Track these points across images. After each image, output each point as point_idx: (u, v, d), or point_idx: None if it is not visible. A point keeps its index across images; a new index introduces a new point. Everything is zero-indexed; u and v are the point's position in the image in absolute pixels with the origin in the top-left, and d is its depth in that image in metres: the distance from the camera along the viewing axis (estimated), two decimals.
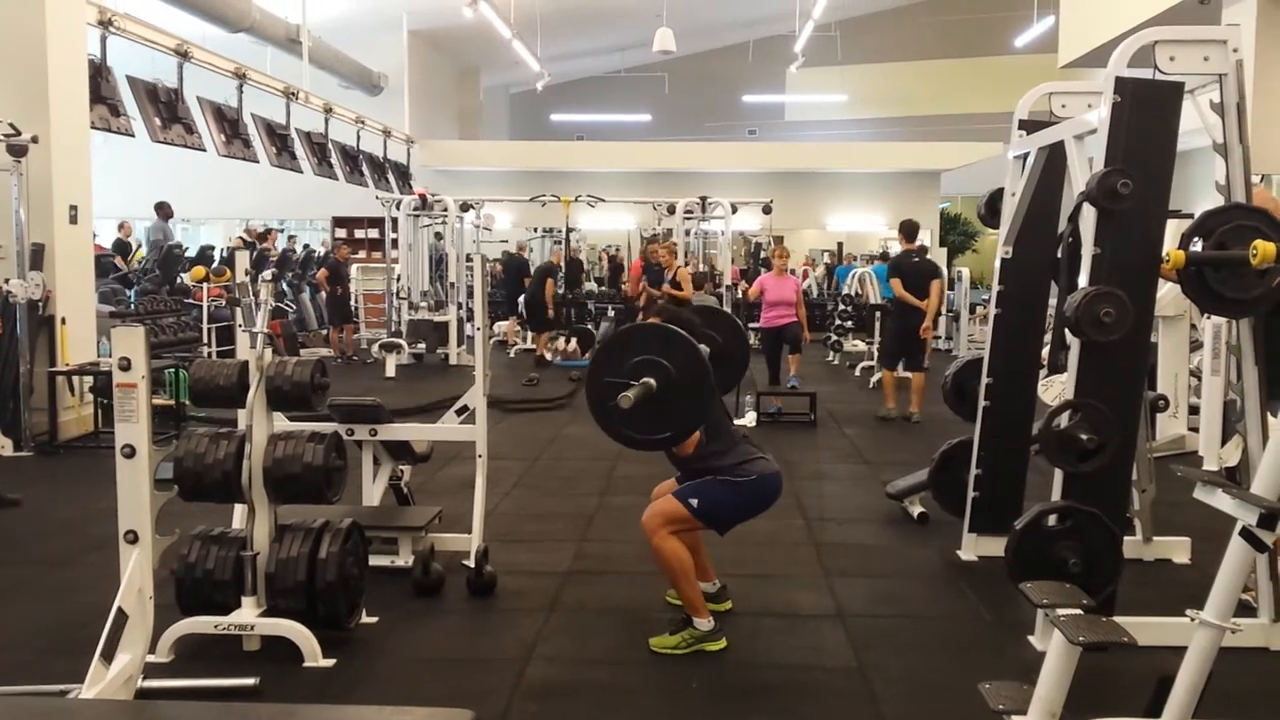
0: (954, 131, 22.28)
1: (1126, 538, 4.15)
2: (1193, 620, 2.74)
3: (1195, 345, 7.88)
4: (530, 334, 14.51)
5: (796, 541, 5.45)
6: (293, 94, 12.63)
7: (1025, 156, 4.94)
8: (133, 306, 11.79)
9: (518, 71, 22.96)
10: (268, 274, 4.22)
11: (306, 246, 19.01)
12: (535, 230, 20.28)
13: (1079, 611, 2.82)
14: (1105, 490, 3.83)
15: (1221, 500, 2.75)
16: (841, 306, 14.64)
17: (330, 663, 3.70)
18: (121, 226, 15.08)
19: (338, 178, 14.16)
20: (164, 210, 13.76)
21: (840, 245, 21.97)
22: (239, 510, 4.28)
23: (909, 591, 4.75)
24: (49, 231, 7.77)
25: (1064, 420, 3.77)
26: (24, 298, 7.49)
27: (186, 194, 18.09)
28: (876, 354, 9.71)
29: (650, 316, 4.20)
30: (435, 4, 18.17)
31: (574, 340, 13.64)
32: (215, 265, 13.07)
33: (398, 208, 14.15)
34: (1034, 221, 4.85)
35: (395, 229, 14.30)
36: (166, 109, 9.56)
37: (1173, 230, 4.76)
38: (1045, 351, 5.35)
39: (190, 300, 12.34)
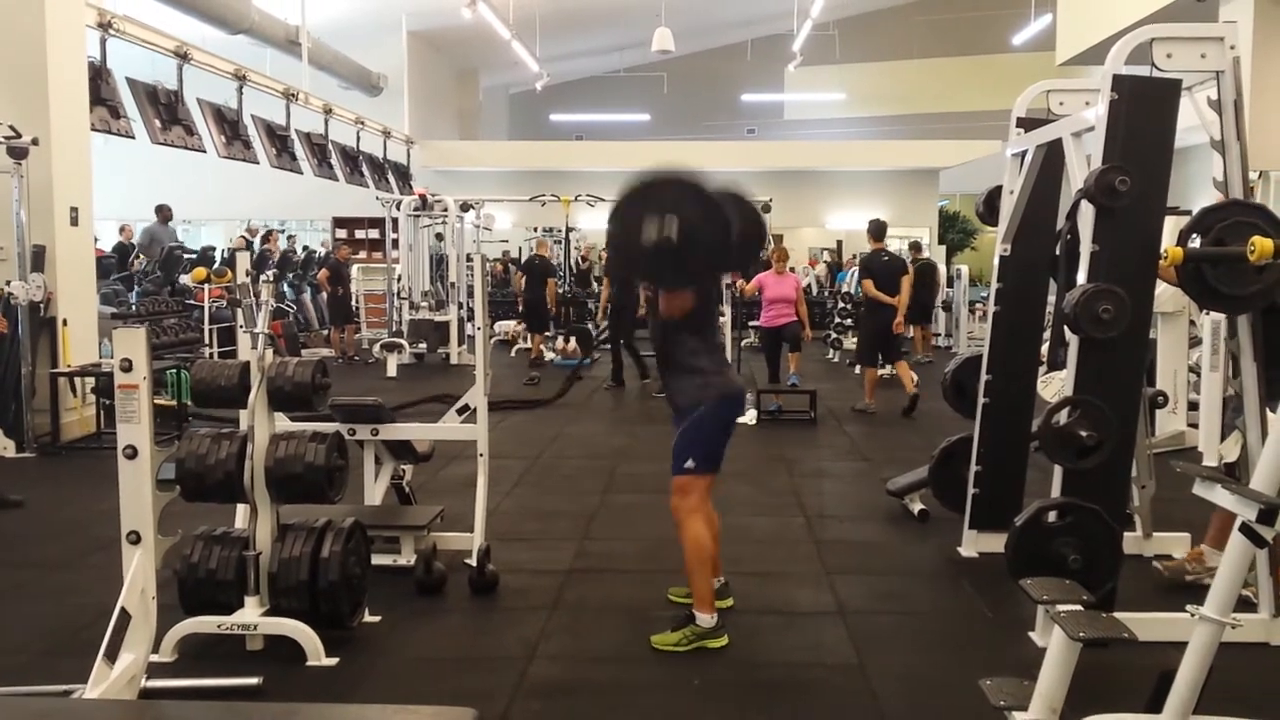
0: (952, 129, 22.30)
1: (1126, 534, 4.15)
2: (1193, 615, 2.75)
3: (1194, 341, 7.89)
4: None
5: (797, 539, 5.46)
6: (292, 95, 12.65)
7: (1023, 154, 4.95)
8: (134, 308, 11.80)
9: (517, 72, 22.99)
10: (269, 275, 4.23)
11: (306, 248, 19.03)
12: (535, 230, 20.27)
13: (1079, 607, 2.84)
14: (1105, 486, 3.84)
15: (1221, 496, 2.77)
16: (841, 305, 14.65)
17: (333, 662, 3.71)
18: (123, 230, 15.09)
19: (338, 178, 14.18)
20: (163, 213, 13.78)
21: (840, 243, 21.96)
22: (241, 510, 4.29)
23: (909, 588, 4.76)
24: (50, 233, 7.78)
25: (1063, 417, 3.78)
26: (25, 299, 7.50)
27: (187, 195, 18.13)
28: (855, 352, 9.83)
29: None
30: (434, 5, 18.19)
31: (573, 340, 13.65)
32: (216, 266, 13.08)
33: (398, 208, 14.16)
34: (1032, 219, 4.86)
35: (395, 229, 14.32)
36: (166, 110, 9.57)
37: (1171, 227, 4.76)
38: (1044, 348, 5.37)
39: (192, 301, 12.35)
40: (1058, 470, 3.91)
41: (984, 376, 5.04)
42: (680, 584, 4.35)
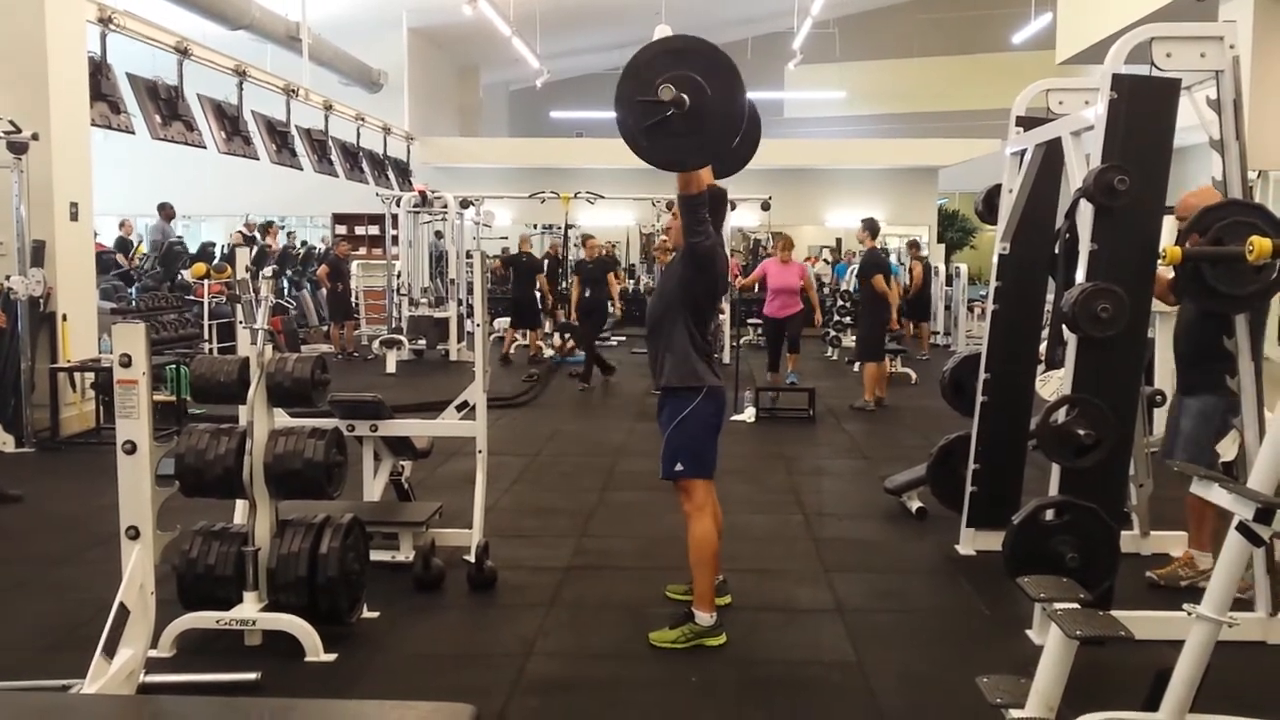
0: (952, 128, 22.30)
1: (1124, 532, 4.16)
2: (1190, 614, 2.76)
3: None
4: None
5: (795, 536, 5.47)
6: (293, 91, 12.65)
7: (1023, 153, 4.95)
8: (134, 303, 11.80)
9: (517, 68, 22.97)
10: (268, 271, 4.23)
11: (305, 243, 19.02)
12: (535, 227, 20.27)
13: (1076, 606, 2.84)
14: (1103, 485, 3.84)
15: (1218, 495, 2.77)
16: (840, 302, 14.64)
17: (331, 658, 3.71)
18: (123, 224, 15.10)
19: (338, 175, 14.18)
20: (166, 211, 13.79)
21: (839, 241, 21.96)
22: (240, 506, 4.30)
23: (907, 586, 4.76)
24: (50, 228, 7.78)
25: (1061, 416, 3.78)
26: (25, 295, 7.50)
27: (187, 191, 18.14)
28: (863, 350, 9.80)
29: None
30: (435, 1, 18.18)
31: (569, 337, 13.63)
32: (216, 262, 13.10)
33: (398, 204, 14.16)
34: (1031, 218, 4.87)
35: (395, 226, 14.32)
36: (167, 106, 9.58)
37: (1170, 226, 4.77)
38: (1043, 347, 5.37)
39: (191, 297, 12.36)
40: (1056, 469, 3.92)
41: (982, 375, 5.05)
42: (678, 581, 4.37)
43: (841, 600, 4.46)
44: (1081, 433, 3.72)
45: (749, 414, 8.90)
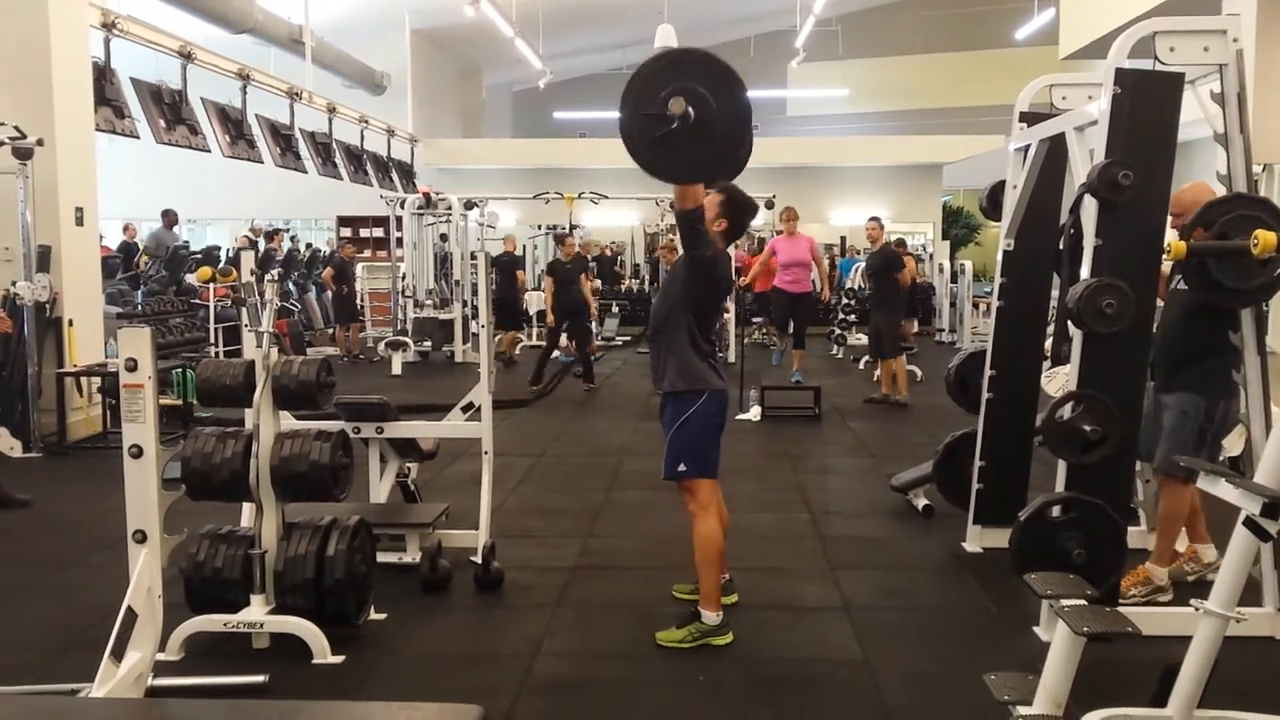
0: (955, 124, 22.27)
1: (1130, 528, 4.15)
2: (1197, 610, 2.75)
3: None
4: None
5: (801, 535, 5.47)
6: (296, 94, 12.66)
7: (1026, 149, 4.95)
8: (139, 307, 11.82)
9: (520, 69, 22.96)
10: (273, 274, 4.24)
11: (309, 245, 19.05)
12: (539, 227, 20.27)
13: (1083, 602, 2.84)
14: (1109, 481, 3.84)
15: (1225, 490, 2.76)
16: (845, 300, 14.63)
17: (339, 659, 3.72)
18: (127, 228, 15.13)
19: (342, 177, 14.19)
20: (169, 217, 13.82)
21: (843, 239, 21.94)
22: (247, 509, 4.30)
23: (914, 584, 4.76)
24: (55, 234, 7.80)
25: (1067, 412, 3.78)
26: (31, 300, 7.52)
27: (192, 195, 18.17)
28: (884, 345, 9.77)
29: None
30: (437, 3, 18.18)
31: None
32: (221, 265, 13.11)
33: (402, 206, 14.17)
34: (1036, 214, 4.86)
35: (400, 228, 14.32)
36: (171, 110, 9.59)
37: None
38: (1048, 343, 5.36)
39: (197, 301, 12.38)
40: (1062, 465, 3.91)
41: (988, 372, 5.04)
42: (685, 581, 4.37)
43: (848, 598, 4.46)
44: (1087, 429, 3.72)
45: (754, 413, 8.90)
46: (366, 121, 15.35)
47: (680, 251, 4.09)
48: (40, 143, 7.45)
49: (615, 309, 16.59)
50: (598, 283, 14.94)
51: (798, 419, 8.95)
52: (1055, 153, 4.70)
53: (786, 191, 16.38)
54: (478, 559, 4.55)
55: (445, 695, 3.46)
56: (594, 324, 14.79)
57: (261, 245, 15.58)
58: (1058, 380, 5.30)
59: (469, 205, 14.30)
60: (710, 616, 3.90)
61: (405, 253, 14.17)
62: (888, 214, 22.10)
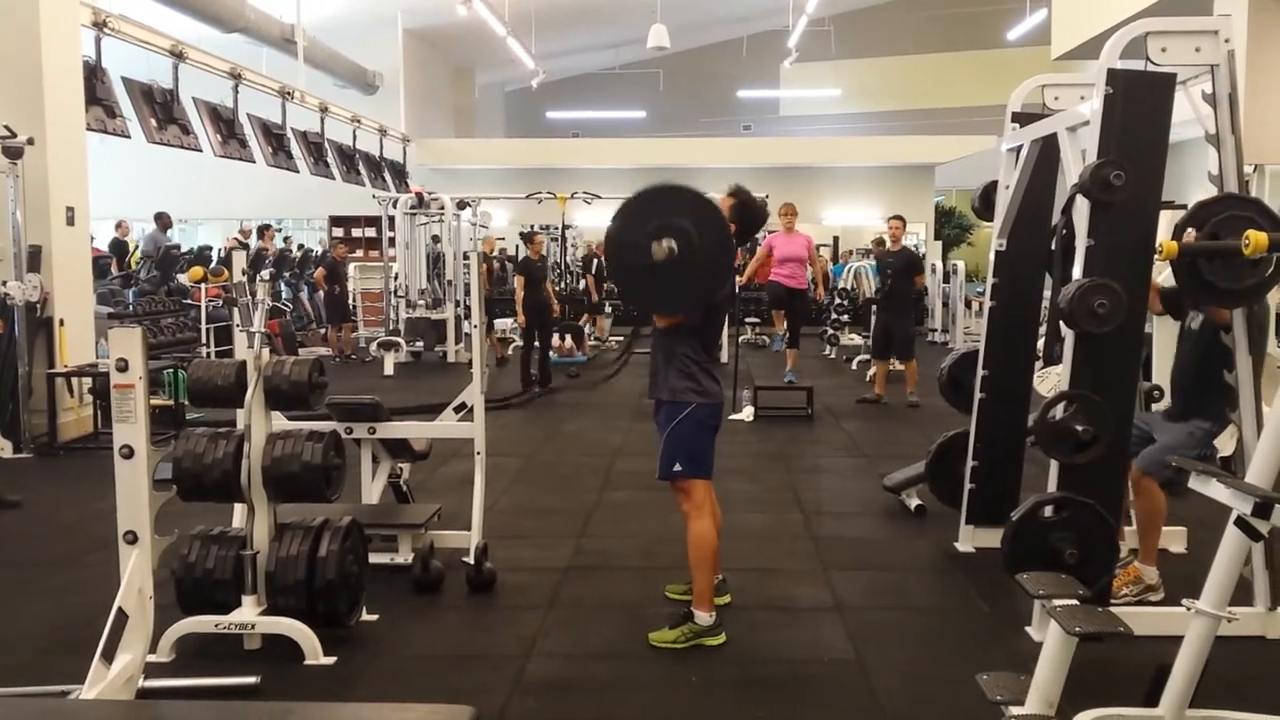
0: (948, 125, 22.32)
1: (1124, 528, 4.16)
2: (1189, 609, 2.76)
3: None
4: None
5: (794, 535, 5.47)
6: (288, 94, 12.64)
7: (1019, 149, 4.95)
8: (131, 307, 11.78)
9: (513, 69, 22.97)
10: (265, 274, 4.23)
11: (302, 246, 19.01)
12: (531, 227, 20.27)
13: (1075, 602, 2.84)
14: (1101, 481, 3.85)
15: (1216, 490, 2.77)
16: (837, 300, 14.65)
17: (331, 660, 3.71)
18: (119, 226, 15.08)
19: (334, 177, 14.18)
20: (162, 220, 13.78)
21: (836, 239, 21.97)
22: (238, 509, 4.29)
23: (906, 584, 4.76)
24: (46, 233, 7.77)
25: (1059, 412, 3.78)
26: (22, 300, 7.49)
27: (184, 195, 18.13)
28: (900, 348, 9.77)
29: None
30: (430, 2, 18.17)
31: (569, 337, 13.64)
32: (213, 265, 13.06)
33: (394, 206, 14.15)
34: (1028, 214, 4.86)
35: (392, 227, 14.30)
36: (162, 110, 9.57)
37: (1166, 221, 4.77)
38: (1041, 343, 5.37)
39: (188, 301, 12.34)
40: (1054, 465, 3.92)
41: (980, 372, 5.05)
42: (678, 581, 4.36)
43: (841, 598, 4.46)
44: (1079, 429, 3.73)
45: (747, 413, 8.90)
46: (359, 121, 15.32)
47: None
48: (31, 142, 7.43)
49: (609, 309, 16.58)
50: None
51: (791, 419, 8.96)
52: (1047, 153, 4.70)
53: (779, 191, 16.35)
54: (470, 559, 4.54)
55: (437, 696, 3.46)
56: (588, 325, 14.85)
57: (253, 245, 15.55)
58: (1050, 380, 5.33)
59: (461, 205, 14.28)
60: (703, 617, 3.90)
61: (398, 253, 14.15)
62: (880, 214, 22.20)
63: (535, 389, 10.40)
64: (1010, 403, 5.01)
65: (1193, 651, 2.73)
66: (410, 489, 5.48)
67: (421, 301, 13.77)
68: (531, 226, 15.00)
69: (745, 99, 28.24)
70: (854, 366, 12.54)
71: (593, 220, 19.82)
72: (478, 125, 25.26)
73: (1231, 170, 4.00)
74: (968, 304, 14.57)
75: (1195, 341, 4.26)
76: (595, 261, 14.53)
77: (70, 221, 8.05)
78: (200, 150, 10.45)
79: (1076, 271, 3.84)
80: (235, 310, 4.17)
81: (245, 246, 14.77)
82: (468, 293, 12.34)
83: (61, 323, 7.85)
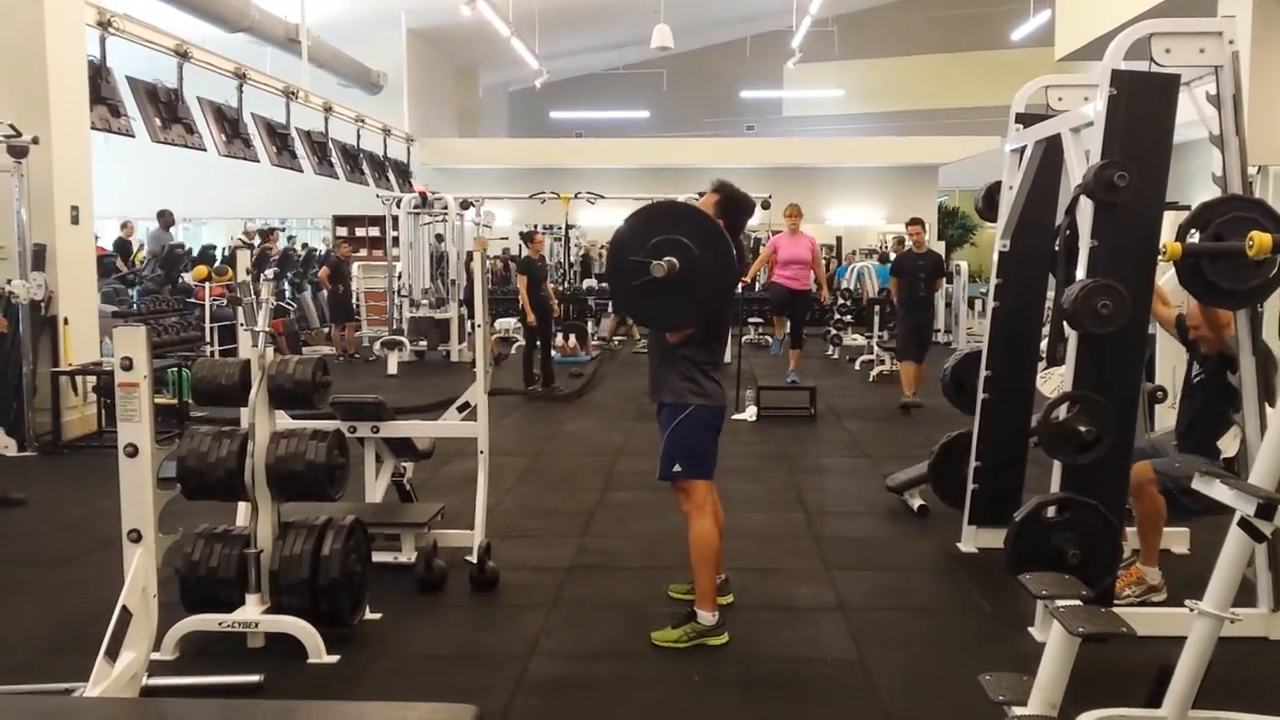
0: (951, 125, 22.31)
1: (1126, 528, 4.16)
2: (1192, 610, 2.76)
3: None
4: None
5: (797, 535, 5.47)
6: (292, 93, 12.65)
7: (1022, 150, 4.95)
8: (135, 306, 11.80)
9: (516, 69, 22.97)
10: (269, 273, 4.23)
11: (306, 245, 19.03)
12: (535, 227, 20.30)
13: (1078, 603, 2.84)
14: (1104, 482, 3.84)
15: (1220, 491, 2.77)
16: (840, 301, 14.64)
17: (334, 659, 3.71)
18: (124, 226, 15.10)
19: (338, 176, 14.19)
20: (165, 218, 13.80)
21: (839, 240, 21.96)
22: (242, 508, 4.30)
23: (909, 584, 4.76)
24: (50, 232, 7.78)
25: (1062, 412, 3.78)
26: (26, 298, 7.51)
27: (188, 194, 18.15)
28: (920, 348, 9.67)
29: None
30: (434, 2, 18.18)
31: (572, 336, 13.65)
32: (217, 265, 13.08)
33: (398, 206, 14.16)
34: (1032, 215, 4.86)
35: (396, 227, 14.32)
36: (166, 109, 9.57)
37: (1170, 222, 4.77)
38: (1044, 344, 5.37)
39: (192, 300, 12.36)
40: (1057, 465, 3.92)
41: (983, 372, 5.05)
42: (680, 581, 4.37)
43: (844, 598, 4.46)
44: (1083, 429, 3.72)
45: (750, 413, 8.90)
46: (363, 121, 15.33)
47: None
48: (36, 141, 7.45)
49: (611, 309, 16.57)
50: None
51: (793, 419, 8.96)
52: (1051, 154, 4.70)
53: (782, 192, 16.37)
54: (473, 559, 4.54)
55: (440, 695, 3.47)
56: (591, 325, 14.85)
57: (256, 244, 15.56)
58: (1053, 381, 5.31)
59: (465, 205, 14.29)
60: (706, 616, 3.90)
61: (401, 252, 14.17)
62: (883, 215, 22.25)
63: (538, 388, 10.40)
64: (1013, 403, 5.01)
65: (1196, 652, 2.73)
66: (413, 488, 5.48)
67: (425, 301, 13.78)
68: (535, 226, 15.01)
69: (748, 99, 28.23)
70: (857, 366, 12.53)
71: (596, 220, 19.86)
72: (481, 125, 25.28)
73: (1235, 171, 3.99)
74: (971, 304, 14.56)
75: (1204, 395, 4.35)
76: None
77: (75, 220, 8.06)
78: (204, 150, 10.46)
79: (1080, 272, 3.84)
80: (239, 309, 4.18)
81: (251, 246, 14.79)
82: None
83: (66, 321, 7.87)
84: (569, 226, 16.55)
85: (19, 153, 7.37)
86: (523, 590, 4.55)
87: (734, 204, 4.05)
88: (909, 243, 10.02)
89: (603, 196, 15.16)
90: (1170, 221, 4.81)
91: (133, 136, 9.05)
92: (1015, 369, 5.03)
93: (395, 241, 14.47)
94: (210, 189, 18.60)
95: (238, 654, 3.74)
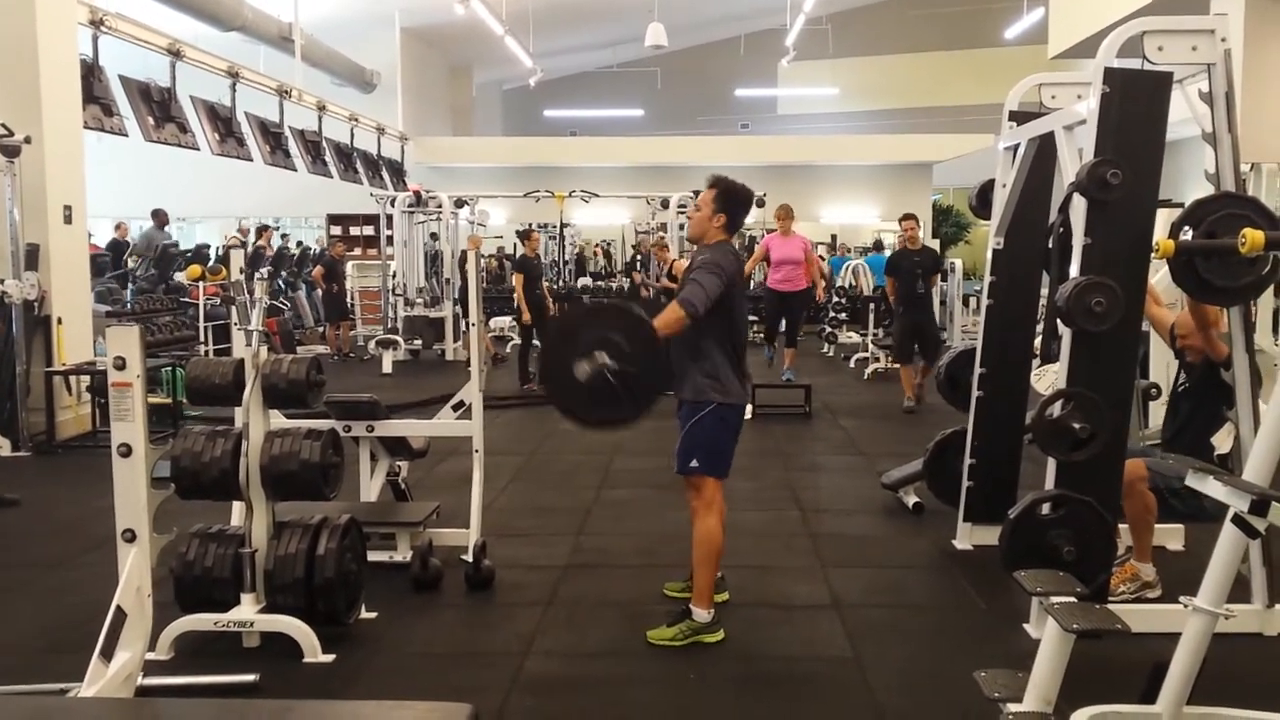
0: (945, 123, 22.34)
1: (1120, 525, 4.17)
2: (1186, 606, 2.76)
3: None
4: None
5: (792, 532, 5.47)
6: (286, 92, 12.62)
7: (1016, 148, 4.96)
8: (129, 306, 11.78)
9: (510, 68, 22.95)
10: (263, 272, 4.23)
11: (300, 244, 19.00)
12: (529, 225, 20.30)
13: (1073, 599, 2.85)
14: (1098, 478, 3.85)
15: (1213, 487, 2.77)
16: (835, 299, 14.64)
17: (330, 658, 3.71)
18: (118, 227, 15.07)
19: (332, 175, 14.16)
20: (159, 217, 13.77)
21: (834, 237, 21.97)
22: (237, 508, 4.29)
23: (904, 581, 4.77)
24: (44, 232, 7.76)
25: (1056, 409, 3.79)
26: (19, 298, 7.49)
27: (182, 193, 18.10)
28: (931, 349, 9.48)
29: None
30: (427, 1, 18.15)
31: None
32: (211, 264, 13.07)
33: (392, 205, 14.15)
34: (1025, 212, 4.87)
35: (390, 226, 14.30)
36: (159, 108, 9.55)
37: (1163, 219, 4.78)
38: (1038, 341, 5.38)
39: (186, 299, 12.34)
40: (1051, 462, 3.92)
41: (978, 370, 5.06)
42: (676, 579, 4.37)
43: (839, 596, 4.47)
44: (1077, 426, 3.73)
45: (746, 410, 8.87)
46: (356, 119, 15.31)
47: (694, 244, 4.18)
48: (28, 140, 7.43)
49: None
50: (623, 281, 14.85)
51: (788, 417, 8.96)
52: (1044, 151, 4.71)
53: (777, 190, 16.39)
54: (469, 557, 4.54)
55: (436, 693, 3.46)
56: None
57: (251, 242, 15.55)
58: (1047, 378, 5.32)
59: (459, 203, 14.28)
60: (701, 614, 3.91)
61: (396, 251, 14.16)
62: (877, 212, 22.27)
63: (534, 386, 10.38)
64: (1008, 400, 5.02)
65: (1190, 648, 2.73)
66: (408, 487, 5.48)
67: (419, 300, 13.77)
68: (530, 225, 14.99)
69: (743, 97, 28.23)
70: (852, 364, 12.54)
71: (591, 219, 19.85)
72: (475, 123, 25.25)
73: (1228, 169, 4.00)
74: (965, 302, 14.56)
75: (1189, 404, 4.38)
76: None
77: (68, 220, 8.04)
78: (198, 149, 10.43)
79: (1074, 270, 3.85)
80: (233, 308, 4.17)
81: (245, 244, 14.78)
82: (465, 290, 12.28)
83: (59, 321, 7.85)
84: (563, 225, 16.55)
85: (11, 152, 7.36)
86: (518, 589, 4.55)
87: (733, 196, 4.03)
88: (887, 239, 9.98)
89: (597, 195, 15.16)
90: (1163, 219, 4.82)
91: (126, 135, 9.03)
92: (1010, 366, 5.04)
93: (390, 240, 14.46)
94: (204, 188, 18.56)
95: (233, 654, 3.74)
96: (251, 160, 11.74)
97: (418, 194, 14.09)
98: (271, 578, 3.82)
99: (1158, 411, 7.41)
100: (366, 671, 3.68)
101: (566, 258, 17.77)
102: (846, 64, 26.35)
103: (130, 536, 3.32)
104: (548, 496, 6.29)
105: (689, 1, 21.17)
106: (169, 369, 8.48)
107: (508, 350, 13.77)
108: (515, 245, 19.94)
